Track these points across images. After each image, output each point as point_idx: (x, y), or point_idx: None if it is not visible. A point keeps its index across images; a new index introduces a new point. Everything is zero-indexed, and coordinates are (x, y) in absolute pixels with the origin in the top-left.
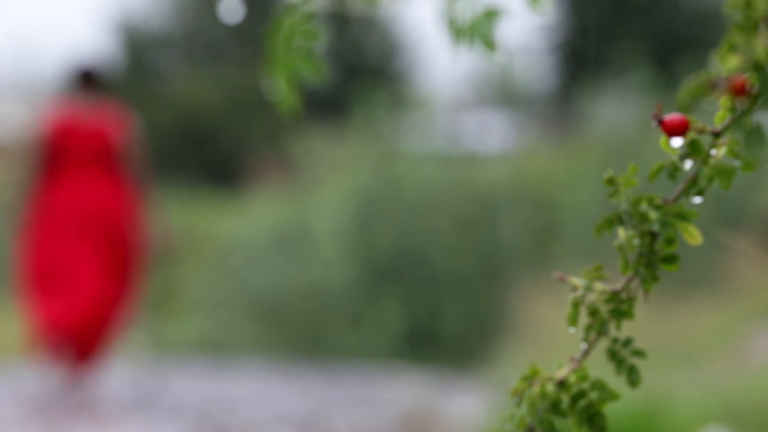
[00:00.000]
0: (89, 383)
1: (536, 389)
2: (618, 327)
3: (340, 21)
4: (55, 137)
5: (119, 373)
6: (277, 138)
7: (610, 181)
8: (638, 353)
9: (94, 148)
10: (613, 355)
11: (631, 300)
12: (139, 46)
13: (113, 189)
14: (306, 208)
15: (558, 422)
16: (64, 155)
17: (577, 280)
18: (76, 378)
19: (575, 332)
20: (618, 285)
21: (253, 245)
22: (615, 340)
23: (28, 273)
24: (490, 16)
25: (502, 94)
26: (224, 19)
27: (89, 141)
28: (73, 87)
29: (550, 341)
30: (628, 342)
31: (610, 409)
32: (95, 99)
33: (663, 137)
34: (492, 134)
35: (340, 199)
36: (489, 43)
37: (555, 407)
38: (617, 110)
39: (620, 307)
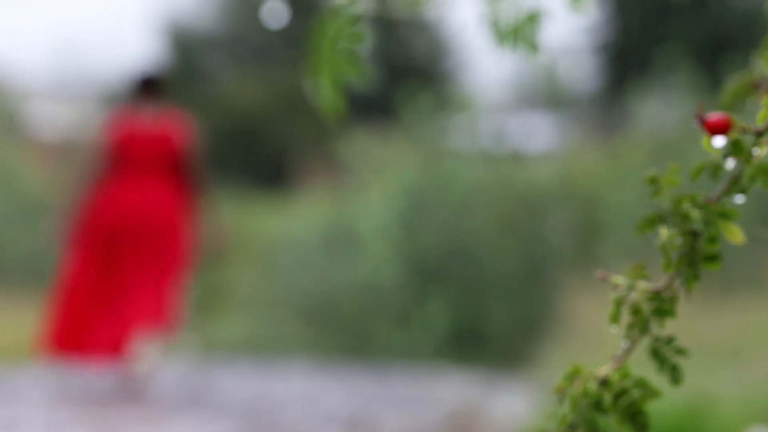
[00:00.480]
0: (140, 382)
1: (579, 387)
2: (660, 326)
3: (386, 24)
4: (118, 142)
5: (168, 372)
6: (323, 139)
7: (653, 181)
8: (680, 352)
9: (155, 153)
10: (656, 354)
11: (673, 299)
12: (187, 48)
13: (172, 193)
14: (352, 208)
15: (600, 420)
16: (126, 160)
17: (620, 279)
18: (127, 376)
19: (618, 331)
20: (660, 284)
21: (299, 246)
22: (657, 339)
23: (77, 282)
24: (533, 18)
25: (546, 94)
26: (268, 24)
27: (151, 146)
28: (135, 94)
29: (595, 341)
30: (670, 340)
31: (652, 408)
32: (157, 105)
33: (705, 137)
34: (537, 135)
35: (386, 200)
36: (532, 45)
37: (597, 405)
38: (661, 110)
39: (662, 306)
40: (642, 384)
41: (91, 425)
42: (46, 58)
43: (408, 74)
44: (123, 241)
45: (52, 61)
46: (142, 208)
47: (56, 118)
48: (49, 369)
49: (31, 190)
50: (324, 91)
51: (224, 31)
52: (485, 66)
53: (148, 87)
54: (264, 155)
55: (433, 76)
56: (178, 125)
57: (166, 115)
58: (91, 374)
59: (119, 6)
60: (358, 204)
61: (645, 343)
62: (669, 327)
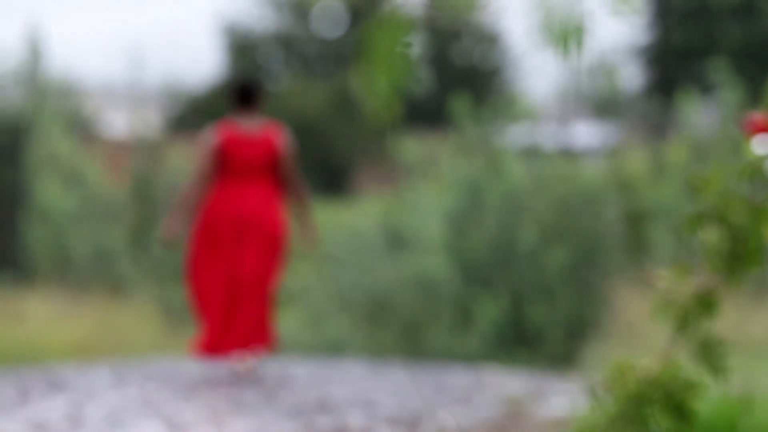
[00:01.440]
0: (248, 372)
1: (626, 383)
2: (705, 324)
3: (441, 30)
4: (224, 148)
5: (231, 372)
6: (380, 141)
7: (697, 182)
8: (725, 349)
9: (257, 158)
10: (701, 352)
11: (717, 298)
12: (247, 50)
13: (274, 194)
14: (406, 210)
15: (646, 414)
16: (232, 165)
17: (665, 278)
18: (241, 368)
19: (664, 329)
20: (705, 283)
21: (355, 247)
22: (702, 337)
23: (195, 281)
24: (580, 21)
25: (596, 99)
26: (321, 33)
27: (253, 152)
28: (235, 102)
29: (643, 340)
30: (715, 339)
31: (697, 404)
32: (255, 113)
33: (748, 139)
34: (586, 136)
35: (442, 203)
36: (579, 47)
37: (643, 399)
38: (707, 114)
39: (707, 305)
40: (686, 380)
41: (158, 418)
42: (113, 61)
43: (464, 80)
44: (237, 240)
45: (118, 63)
46: (252, 209)
47: (122, 119)
48: (116, 366)
49: (98, 189)
50: (379, 95)
51: (285, 33)
52: (540, 72)
53: (247, 95)
54: (321, 156)
55: (490, 82)
56: (274, 131)
57: (263, 122)
58: (156, 370)
59: (183, 11)
60: (412, 206)
61: (691, 340)
62: (714, 325)
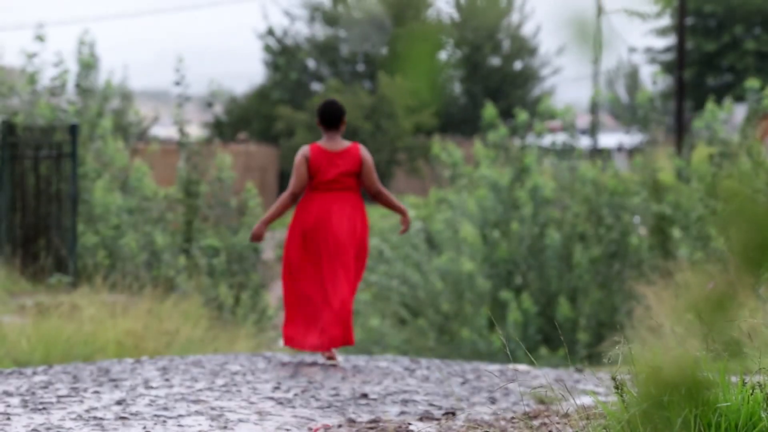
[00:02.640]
0: (334, 365)
1: (651, 380)
2: (728, 322)
3: (475, 40)
4: (313, 165)
5: (272, 366)
6: (418, 145)
7: (722, 186)
8: (747, 347)
9: (342, 173)
10: (725, 349)
11: (741, 297)
12: (287, 58)
13: (356, 204)
14: (442, 215)
15: (668, 412)
16: (320, 180)
17: (689, 278)
18: (329, 361)
19: (689, 327)
20: (728, 282)
21: (395, 248)
22: (725, 335)
23: (288, 281)
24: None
25: (622, 103)
26: (352, 45)
27: (339, 168)
28: (322, 125)
29: (670, 340)
30: (738, 336)
31: (720, 401)
32: (339, 133)
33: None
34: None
35: (476, 206)
36: (602, 51)
37: (668, 396)
38: (729, 118)
39: (730, 304)
40: (708, 381)
41: (203, 413)
42: (162, 68)
43: (495, 88)
44: (326, 246)
45: (167, 70)
46: (339, 218)
47: (170, 123)
48: (164, 362)
49: (147, 191)
50: (416, 101)
51: (321, 42)
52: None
53: (331, 120)
54: None
55: (524, 93)
56: (356, 149)
57: (346, 140)
58: (202, 366)
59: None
60: (448, 208)
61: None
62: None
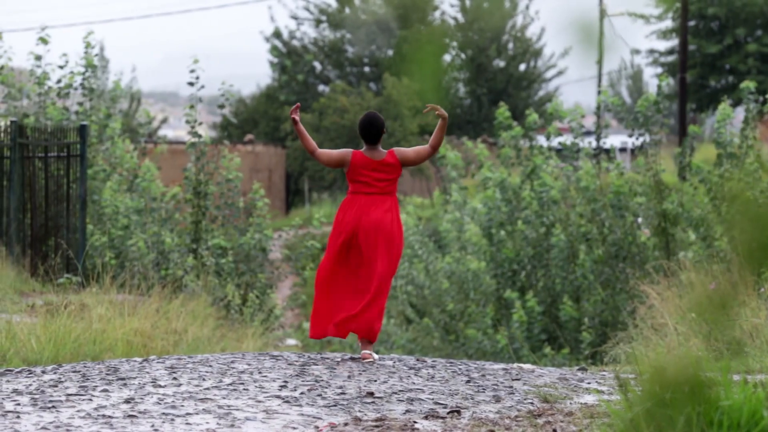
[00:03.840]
0: (367, 361)
1: (654, 379)
2: (730, 322)
3: (481, 41)
4: (353, 169)
5: (280, 365)
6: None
7: (726, 188)
8: (749, 346)
9: (380, 179)
10: (726, 348)
11: (743, 297)
12: (294, 58)
13: (391, 207)
14: (449, 213)
15: (671, 411)
16: (359, 184)
17: (692, 278)
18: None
19: (691, 327)
20: (730, 282)
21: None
22: (727, 334)
23: (324, 276)
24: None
25: (626, 105)
26: (365, 44)
27: (377, 174)
28: (363, 136)
29: (673, 340)
30: (740, 336)
31: (728, 399)
32: (378, 143)
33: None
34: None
35: (482, 205)
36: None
37: (671, 395)
38: (731, 119)
39: (732, 304)
40: (711, 380)
41: (210, 411)
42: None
43: (501, 90)
44: (364, 244)
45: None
46: (376, 219)
47: (179, 124)
48: (171, 361)
49: (156, 192)
50: (422, 101)
51: (327, 45)
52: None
53: (371, 132)
54: None
55: (525, 90)
56: (392, 156)
57: (384, 150)
58: (209, 365)
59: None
60: (453, 208)
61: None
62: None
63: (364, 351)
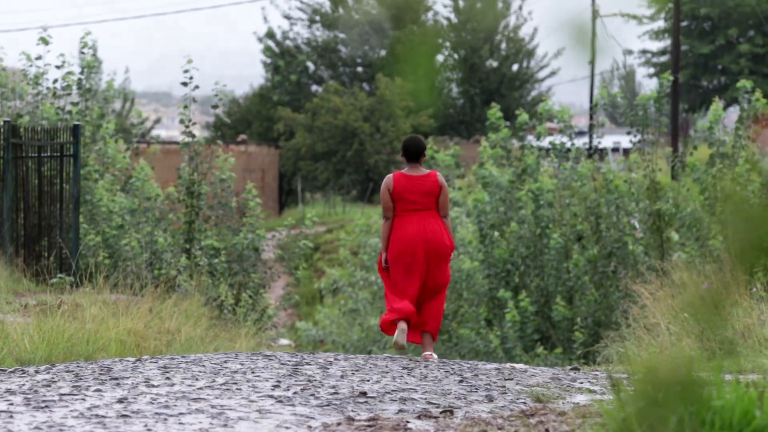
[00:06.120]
0: (428, 362)
1: (646, 378)
2: (723, 321)
3: (474, 42)
4: (398, 189)
5: (271, 365)
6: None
7: (720, 188)
8: (741, 346)
9: (424, 197)
10: (719, 348)
11: (736, 296)
12: (287, 58)
13: (438, 220)
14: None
15: (663, 410)
16: (406, 203)
17: (685, 277)
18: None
19: (684, 326)
20: (723, 282)
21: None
22: (720, 334)
23: (389, 282)
24: (596, 29)
25: (619, 105)
26: (358, 44)
27: (420, 190)
28: (406, 156)
29: (666, 340)
30: (732, 336)
31: (714, 399)
32: (420, 163)
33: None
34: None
35: (477, 207)
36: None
37: (663, 394)
38: (724, 119)
39: (725, 303)
40: (703, 379)
41: (203, 411)
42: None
43: (494, 90)
44: (421, 256)
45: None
46: (428, 233)
47: (172, 124)
48: (164, 361)
49: (149, 192)
50: (415, 102)
51: (321, 45)
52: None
53: (413, 153)
54: (359, 160)
55: (518, 90)
56: (433, 175)
57: (426, 169)
58: (202, 365)
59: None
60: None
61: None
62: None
63: (425, 353)
